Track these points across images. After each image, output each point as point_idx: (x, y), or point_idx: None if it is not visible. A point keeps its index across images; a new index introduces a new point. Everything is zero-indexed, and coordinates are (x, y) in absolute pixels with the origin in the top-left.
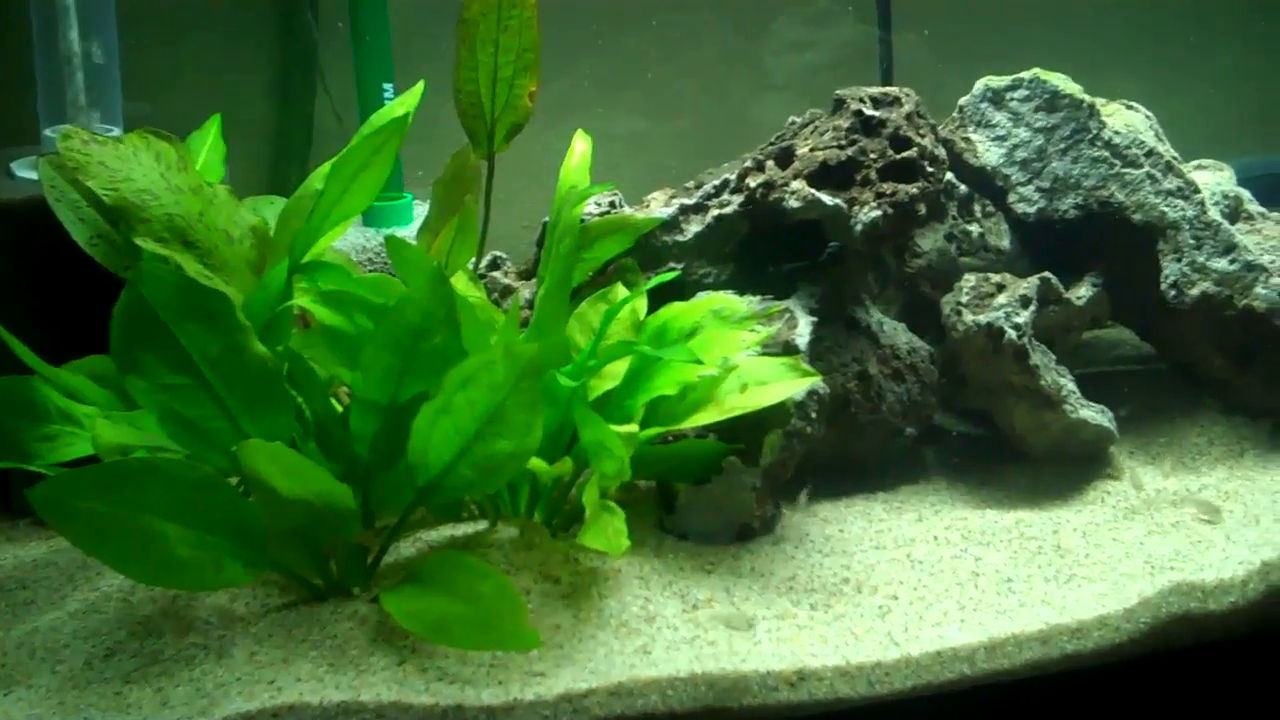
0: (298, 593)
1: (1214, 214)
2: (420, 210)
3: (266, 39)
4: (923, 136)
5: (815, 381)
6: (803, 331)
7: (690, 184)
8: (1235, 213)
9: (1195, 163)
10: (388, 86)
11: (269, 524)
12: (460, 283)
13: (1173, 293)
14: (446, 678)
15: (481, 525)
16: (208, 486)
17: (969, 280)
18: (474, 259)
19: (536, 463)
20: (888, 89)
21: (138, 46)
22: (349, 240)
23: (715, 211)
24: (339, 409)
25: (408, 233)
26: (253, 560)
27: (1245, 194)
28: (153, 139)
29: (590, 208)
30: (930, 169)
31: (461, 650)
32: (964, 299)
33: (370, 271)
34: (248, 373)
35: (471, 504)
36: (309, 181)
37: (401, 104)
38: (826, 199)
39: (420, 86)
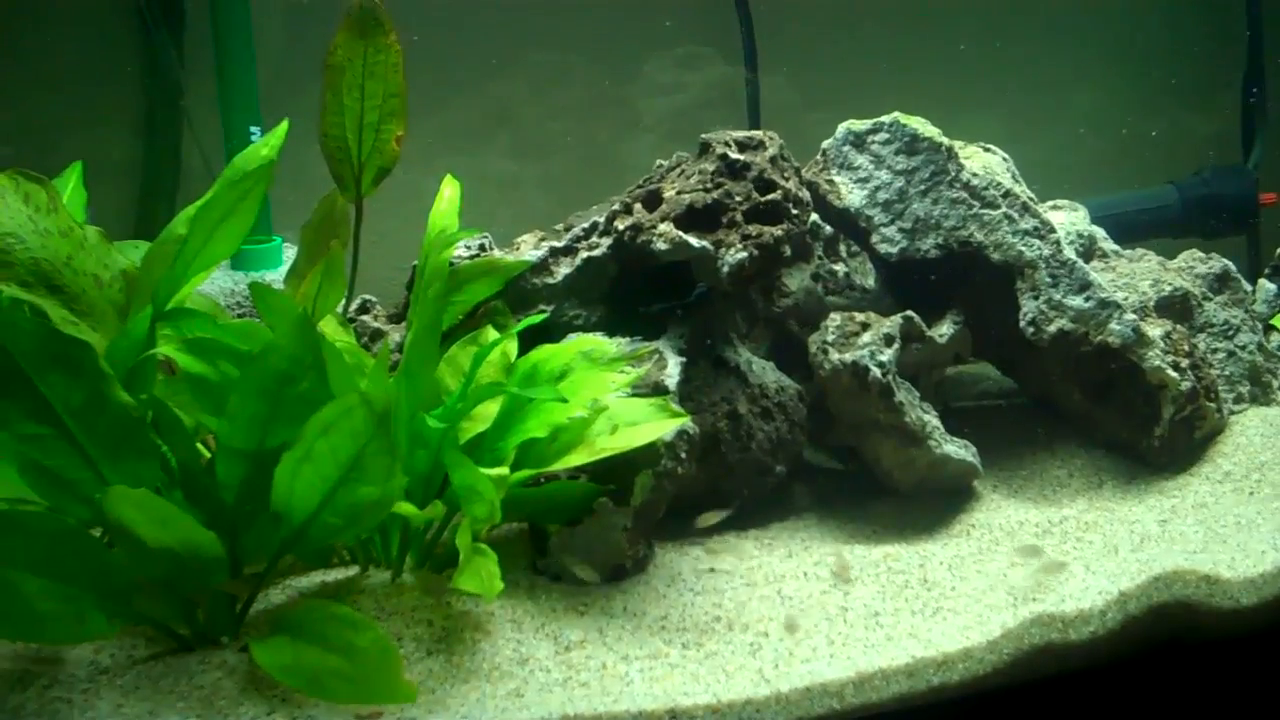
0: (165, 643)
1: (1069, 253)
2: (290, 253)
3: (131, 80)
4: (787, 179)
5: (685, 422)
6: (672, 372)
7: (559, 226)
8: (1090, 251)
9: (1050, 203)
10: (255, 130)
11: (134, 574)
12: (328, 327)
13: (1031, 329)
14: None
15: (352, 571)
16: (69, 538)
17: (834, 319)
18: (343, 303)
19: (407, 507)
20: (752, 133)
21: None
22: (217, 284)
23: (584, 254)
24: (206, 456)
25: (277, 276)
26: (116, 612)
27: (1099, 232)
28: (22, 180)
29: (460, 250)
30: (795, 211)
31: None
32: (830, 338)
33: (239, 315)
34: (111, 422)
35: (342, 549)
36: (172, 226)
37: (265, 145)
38: (694, 241)
39: (284, 127)
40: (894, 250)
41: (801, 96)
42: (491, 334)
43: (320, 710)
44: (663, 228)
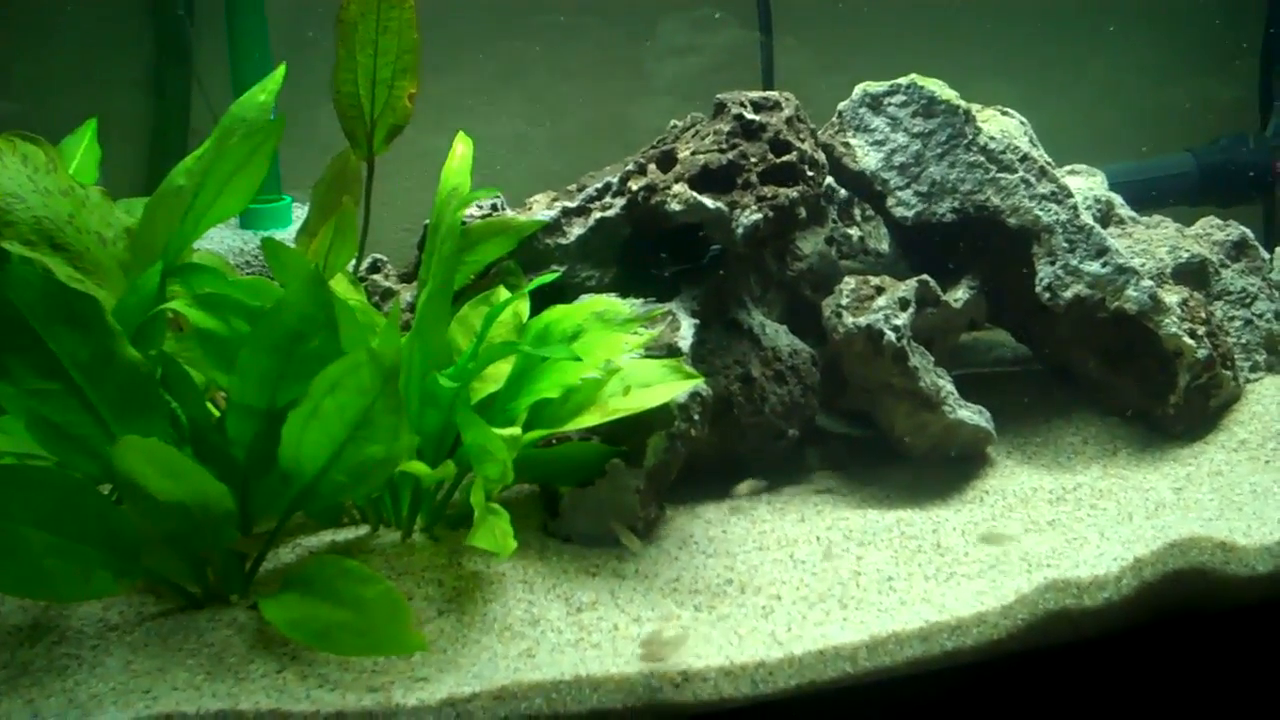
0: (174, 601)
1: (1086, 218)
2: (300, 213)
3: (140, 38)
4: (802, 141)
5: (698, 383)
6: (685, 334)
7: (572, 187)
8: (1107, 217)
9: (1068, 168)
10: None
11: (144, 529)
12: (339, 285)
13: (1047, 295)
14: (327, 684)
15: (363, 530)
16: (77, 494)
17: (849, 283)
18: (354, 261)
19: (419, 466)
20: (768, 93)
21: (7, 46)
22: (226, 243)
23: (597, 214)
24: (215, 414)
25: (287, 235)
26: (123, 569)
27: (1117, 198)
28: (19, 142)
29: (472, 210)
30: (810, 173)
31: (343, 657)
32: (844, 301)
33: (248, 274)
34: (119, 377)
35: (353, 508)
36: (171, 178)
37: (262, 91)
38: (708, 202)
39: (281, 71)
40: (910, 214)
41: (816, 59)
42: (503, 294)
43: (331, 667)
44: (677, 188)
